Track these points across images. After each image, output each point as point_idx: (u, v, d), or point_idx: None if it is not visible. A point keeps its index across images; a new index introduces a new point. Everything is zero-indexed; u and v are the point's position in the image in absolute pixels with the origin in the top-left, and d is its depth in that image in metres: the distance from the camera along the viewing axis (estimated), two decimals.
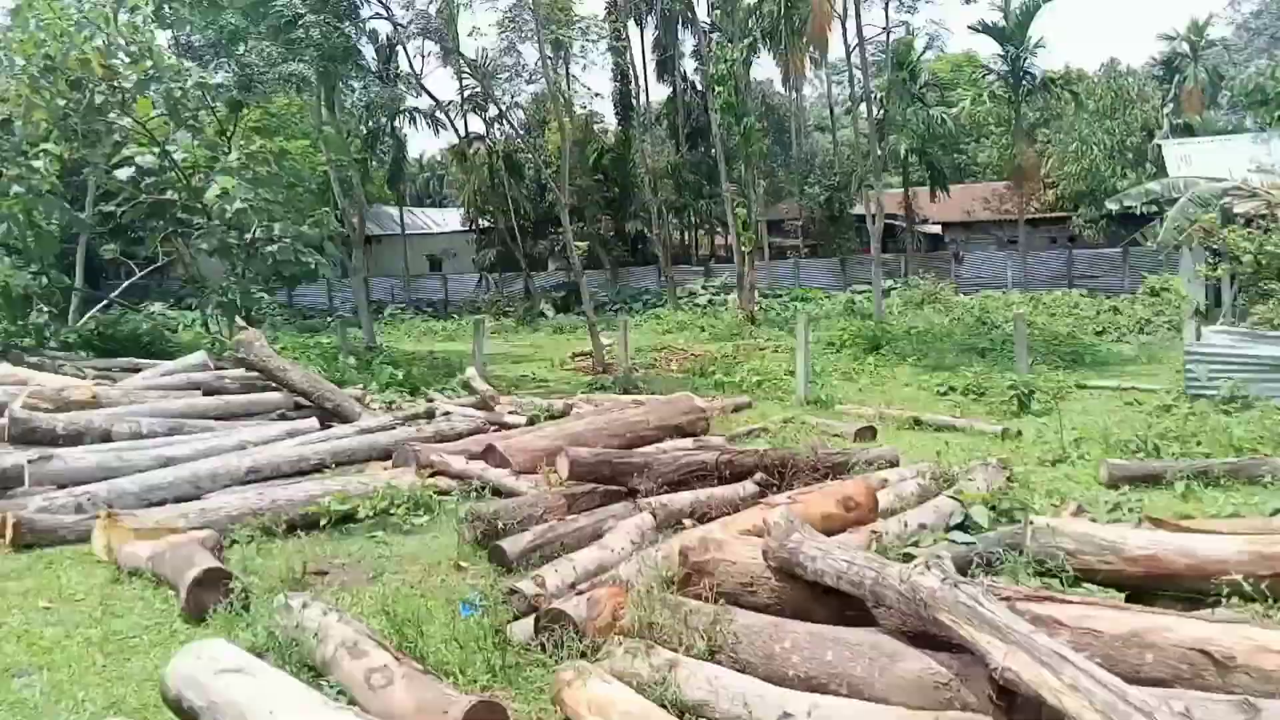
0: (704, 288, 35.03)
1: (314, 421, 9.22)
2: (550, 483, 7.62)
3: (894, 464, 8.26)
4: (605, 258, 37.62)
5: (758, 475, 7.52)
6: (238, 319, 11.80)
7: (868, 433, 10.63)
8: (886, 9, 24.16)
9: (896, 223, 40.75)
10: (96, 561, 6.19)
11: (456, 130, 37.61)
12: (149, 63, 12.69)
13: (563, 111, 25.97)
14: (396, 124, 38.93)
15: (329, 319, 35.93)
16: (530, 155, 38.66)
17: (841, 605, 4.27)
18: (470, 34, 47.13)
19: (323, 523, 7.09)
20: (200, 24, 13.59)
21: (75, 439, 8.39)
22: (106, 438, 8.51)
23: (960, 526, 6.52)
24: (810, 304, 31.98)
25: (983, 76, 31.49)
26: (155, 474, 7.62)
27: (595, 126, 37.69)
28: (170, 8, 12.87)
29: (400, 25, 23.41)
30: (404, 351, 22.21)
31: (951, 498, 6.79)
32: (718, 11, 26.79)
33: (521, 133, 40.43)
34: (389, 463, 8.65)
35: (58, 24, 12.19)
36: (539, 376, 19.07)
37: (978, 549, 5.71)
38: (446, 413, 11.64)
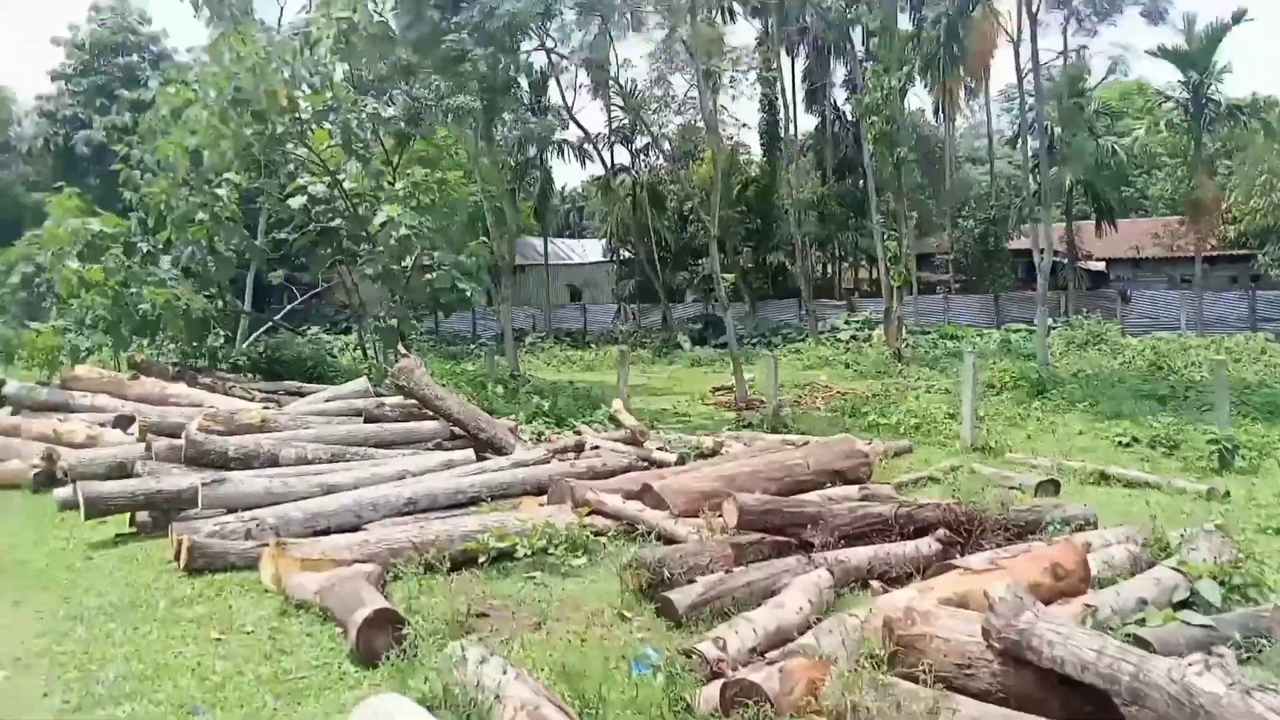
0: (847, 322, 34.04)
1: (470, 453, 9.15)
2: (712, 529, 7.24)
3: (1092, 525, 7.47)
4: (745, 290, 37.15)
5: (940, 532, 6.91)
6: (398, 346, 11.98)
7: (1050, 486, 9.76)
8: (1065, 32, 22.83)
9: (1056, 258, 38.69)
10: (264, 591, 6.17)
11: (604, 161, 38.10)
12: (329, 94, 13.23)
13: (718, 139, 25.73)
14: (545, 156, 39.75)
15: (472, 346, 36.85)
16: (674, 187, 38.86)
17: (1081, 698, 3.70)
18: (621, 65, 47.74)
19: (481, 559, 6.92)
20: (375, 59, 14.05)
21: (245, 462, 8.57)
22: (274, 462, 8.66)
23: (1185, 604, 5.74)
24: (961, 342, 30.57)
25: (1158, 104, 29.50)
26: (319, 501, 7.65)
27: (740, 158, 37.40)
28: (349, 42, 13.36)
29: (561, 55, 23.76)
30: (545, 380, 22.38)
31: (1173, 569, 6.00)
32: (874, 40, 26.01)
33: (666, 164, 40.71)
34: (543, 498, 8.45)
35: (251, 57, 12.84)
36: (680, 410, 18.74)
37: (1217, 634, 4.97)
38: (595, 446, 11.44)
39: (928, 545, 6.78)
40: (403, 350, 10.87)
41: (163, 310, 12.19)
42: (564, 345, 37.50)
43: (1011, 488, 9.81)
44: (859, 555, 6.40)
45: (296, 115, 13.80)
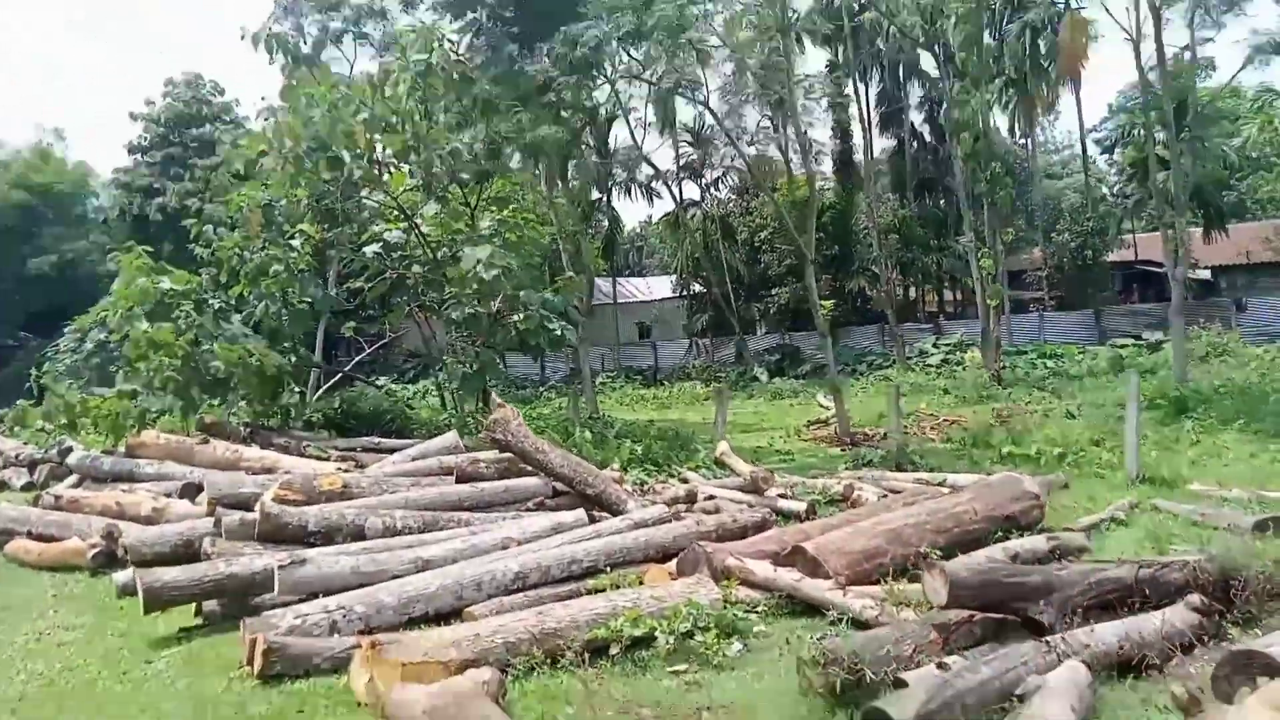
0: (935, 346, 32.26)
1: (580, 513, 7.91)
2: (897, 602, 5.87)
3: None
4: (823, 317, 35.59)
5: (1194, 598, 5.44)
6: (494, 396, 10.89)
7: (1270, 525, 8.12)
8: (1191, 25, 21.03)
9: (1151, 268, 36.43)
10: (357, 704, 4.98)
11: (674, 196, 37.17)
12: (409, 133, 12.38)
13: (811, 162, 24.43)
14: (612, 195, 39.02)
15: (542, 389, 35.89)
16: (746, 218, 37.70)
17: None
18: (689, 102, 47.02)
19: (613, 649, 5.66)
20: (453, 97, 13.20)
21: (327, 535, 7.46)
22: (360, 534, 7.54)
23: None
24: (1064, 360, 28.57)
25: (1269, 102, 27.47)
26: (414, 581, 6.48)
27: (816, 184, 36.06)
28: (427, 82, 12.53)
29: (648, 81, 22.82)
30: (625, 421, 21.14)
31: None
32: (962, 55, 24.67)
33: (733, 197, 39.63)
34: (671, 565, 7.15)
35: (328, 98, 12.07)
36: (779, 448, 17.31)
37: None
38: (710, 497, 10.13)
39: (1180, 616, 5.32)
40: (497, 400, 9.74)
41: (234, 368, 11.31)
42: (635, 384, 36.34)
43: (1218, 528, 8.24)
44: (1105, 635, 4.97)
45: (374, 158, 13.00)
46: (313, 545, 7.41)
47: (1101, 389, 22.47)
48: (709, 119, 36.72)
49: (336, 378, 19.00)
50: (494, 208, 15.55)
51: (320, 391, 17.63)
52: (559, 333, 13.10)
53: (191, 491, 10.65)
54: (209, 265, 13.58)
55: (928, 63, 38.29)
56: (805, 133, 25.12)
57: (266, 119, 14.33)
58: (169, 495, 10.46)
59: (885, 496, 9.91)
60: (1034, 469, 12.35)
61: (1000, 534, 8.17)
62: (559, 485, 8.89)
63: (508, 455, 9.17)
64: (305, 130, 12.59)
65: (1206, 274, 34.14)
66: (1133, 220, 32.78)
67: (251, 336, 12.34)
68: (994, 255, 26.48)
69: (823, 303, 19.97)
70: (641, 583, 7.01)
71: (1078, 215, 32.13)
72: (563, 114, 14.34)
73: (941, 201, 37.36)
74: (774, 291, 36.44)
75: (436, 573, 6.72)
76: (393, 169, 14.71)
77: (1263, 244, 34.04)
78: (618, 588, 6.78)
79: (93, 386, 14.20)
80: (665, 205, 40.46)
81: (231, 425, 12.42)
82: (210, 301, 12.57)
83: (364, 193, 14.13)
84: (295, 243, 13.41)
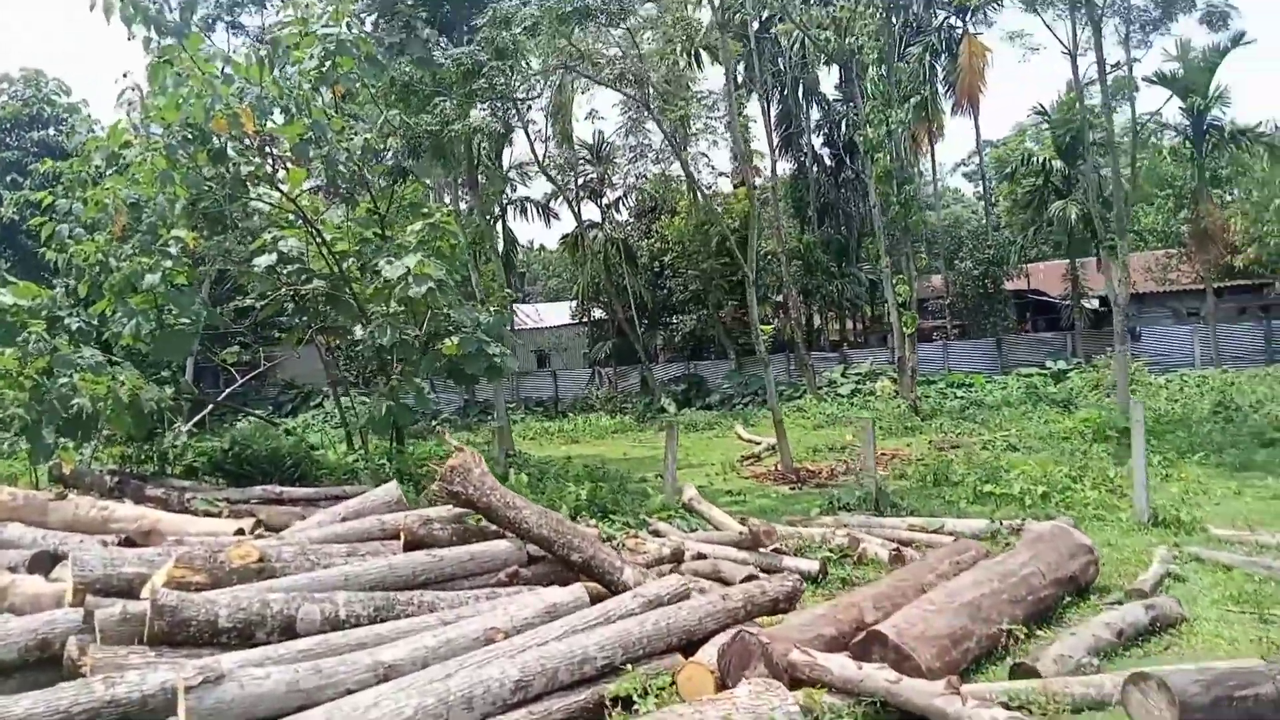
0: (844, 375, 31.79)
1: (580, 591, 6.23)
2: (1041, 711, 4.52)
3: None
4: (730, 345, 34.74)
5: None
6: (448, 436, 9.04)
7: None
8: (1127, 43, 21.04)
9: (1046, 298, 37.27)
10: None
11: (575, 215, 35.63)
12: (308, 120, 10.38)
13: (749, 173, 23.28)
14: (506, 215, 37.22)
15: (434, 423, 33.59)
16: (647, 242, 36.57)
17: None
18: (587, 116, 45.78)
19: None
20: (368, 79, 11.29)
21: (245, 633, 5.55)
22: (289, 629, 5.66)
23: None
24: (973, 389, 28.49)
25: (1157, 132, 28.34)
26: (380, 703, 4.69)
27: (719, 207, 35.23)
28: (334, 64, 10.57)
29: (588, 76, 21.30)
30: (540, 459, 19.42)
31: None
32: (873, 72, 24.23)
33: (635, 220, 38.47)
34: (705, 658, 5.59)
35: (200, 78, 9.98)
36: (719, 487, 15.95)
37: None
38: (699, 555, 8.62)
39: None
40: (452, 442, 7.96)
41: (100, 402, 9.04)
42: (537, 416, 34.51)
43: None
44: None
45: (266, 149, 10.98)
46: (226, 646, 5.50)
47: (1021, 419, 22.21)
48: (608, 135, 35.62)
49: (205, 412, 16.50)
50: (408, 215, 13.69)
51: (185, 429, 15.20)
52: (498, 360, 11.33)
53: (44, 564, 8.36)
54: (62, 276, 11.16)
55: (826, 85, 38.38)
56: (745, 144, 23.90)
57: (130, 103, 12.01)
58: (13, 569, 8.16)
59: (896, 551, 8.65)
60: (1019, 510, 11.38)
61: (1065, 598, 7.02)
62: (533, 549, 7.18)
63: (463, 511, 7.41)
64: (178, 113, 10.50)
65: (1094, 304, 35.05)
66: (1022, 250, 33.26)
67: (120, 364, 10.07)
68: (909, 281, 26.09)
69: (763, 327, 18.80)
70: (674, 683, 5.45)
71: (979, 242, 32.38)
72: (493, 105, 12.71)
73: (842, 228, 37.23)
74: (678, 319, 35.38)
75: (408, 686, 4.94)
76: (288, 165, 12.69)
77: (1145, 274, 35.25)
78: (655, 697, 5.19)
79: None
80: (562, 227, 38.97)
81: (94, 474, 10.08)
82: (66, 320, 10.21)
83: (258, 192, 12.04)
84: (172, 250, 11.18)
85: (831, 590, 7.75)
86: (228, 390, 24.47)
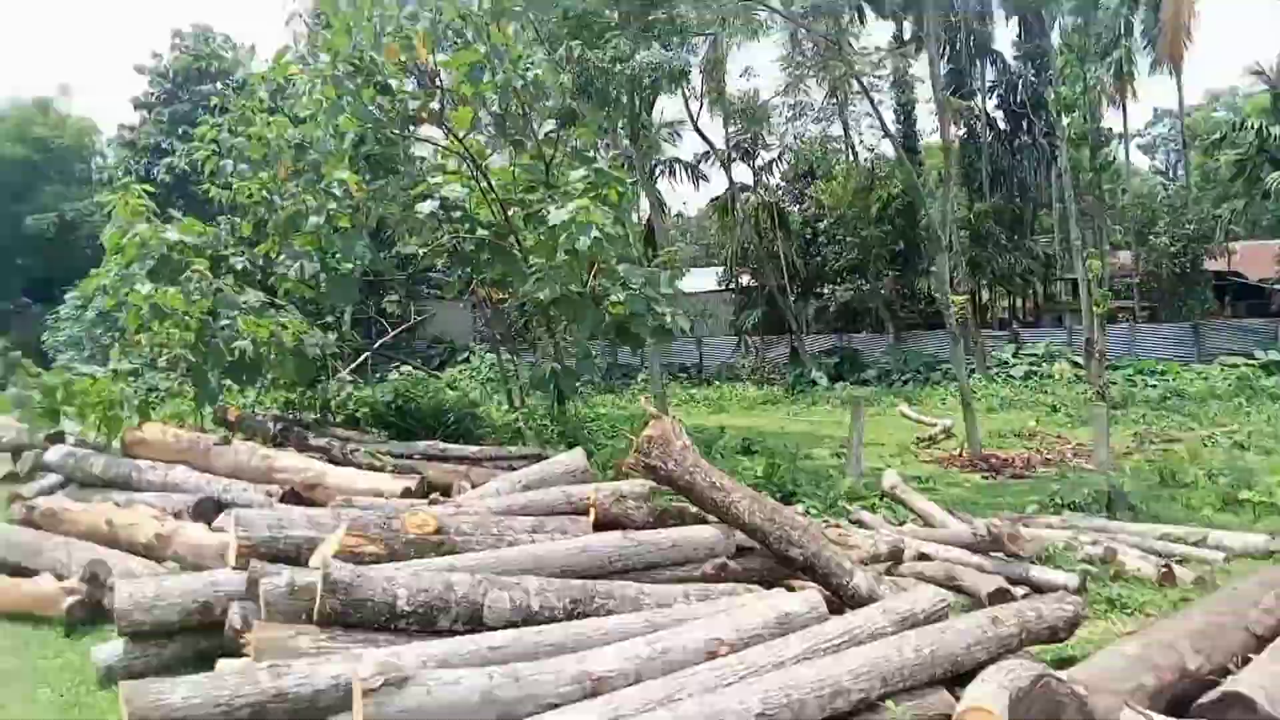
0: (1016, 356, 29.40)
1: (816, 597, 5.11)
2: None
3: None
4: (890, 320, 32.78)
5: None
6: (647, 402, 8.10)
7: None
8: None
9: (1248, 281, 33.56)
10: None
11: (729, 177, 34.26)
12: (482, 49, 9.52)
13: (948, 117, 21.26)
14: (655, 175, 36.13)
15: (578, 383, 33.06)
16: (801, 207, 34.89)
17: None
18: (742, 74, 44.16)
19: None
20: (537, 10, 10.35)
21: (427, 618, 4.69)
22: (475, 616, 4.77)
23: None
24: (1168, 377, 25.72)
25: None
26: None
27: (880, 173, 33.16)
28: None
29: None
30: (691, 427, 18.33)
31: None
32: (1068, 21, 21.80)
33: (788, 184, 36.79)
34: (981, 698, 4.36)
35: (376, 5, 9.26)
36: (902, 472, 14.49)
37: None
38: (922, 555, 7.37)
39: None
40: (651, 409, 6.96)
41: (264, 347, 8.50)
42: (681, 382, 33.52)
43: None
44: None
45: (437, 83, 10.21)
46: (404, 633, 4.66)
47: (1237, 414, 19.71)
48: (764, 94, 33.96)
49: (361, 360, 16.15)
50: (573, 163, 12.76)
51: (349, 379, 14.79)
52: (668, 321, 10.30)
53: (208, 511, 7.91)
54: (226, 215, 10.72)
55: (1001, 44, 35.47)
56: (939, 77, 21.65)
57: (296, 34, 11.45)
58: (177, 515, 7.71)
59: (1166, 569, 7.16)
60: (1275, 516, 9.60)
61: None
62: (745, 541, 6.10)
63: (664, 486, 6.38)
64: (348, 39, 9.81)
65: None
66: (1228, 227, 29.81)
67: (284, 307, 9.56)
68: (1101, 256, 23.63)
69: (955, 298, 17.09)
70: None
71: (1177, 216, 29.20)
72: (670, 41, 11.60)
73: (1016, 198, 34.47)
74: (831, 288, 33.61)
75: (624, 710, 3.95)
76: (455, 102, 11.93)
77: None
78: None
79: (95, 362, 11.49)
80: (710, 191, 37.67)
81: (259, 421, 9.64)
82: (231, 260, 9.76)
83: (424, 131, 11.33)
84: (336, 190, 10.57)
85: (1100, 613, 6.37)
86: (379, 342, 24.47)
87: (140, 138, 38.66)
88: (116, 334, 9.66)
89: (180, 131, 37.86)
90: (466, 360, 33.58)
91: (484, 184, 11.14)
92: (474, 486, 8.55)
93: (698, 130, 30.39)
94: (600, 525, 6.06)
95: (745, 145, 35.32)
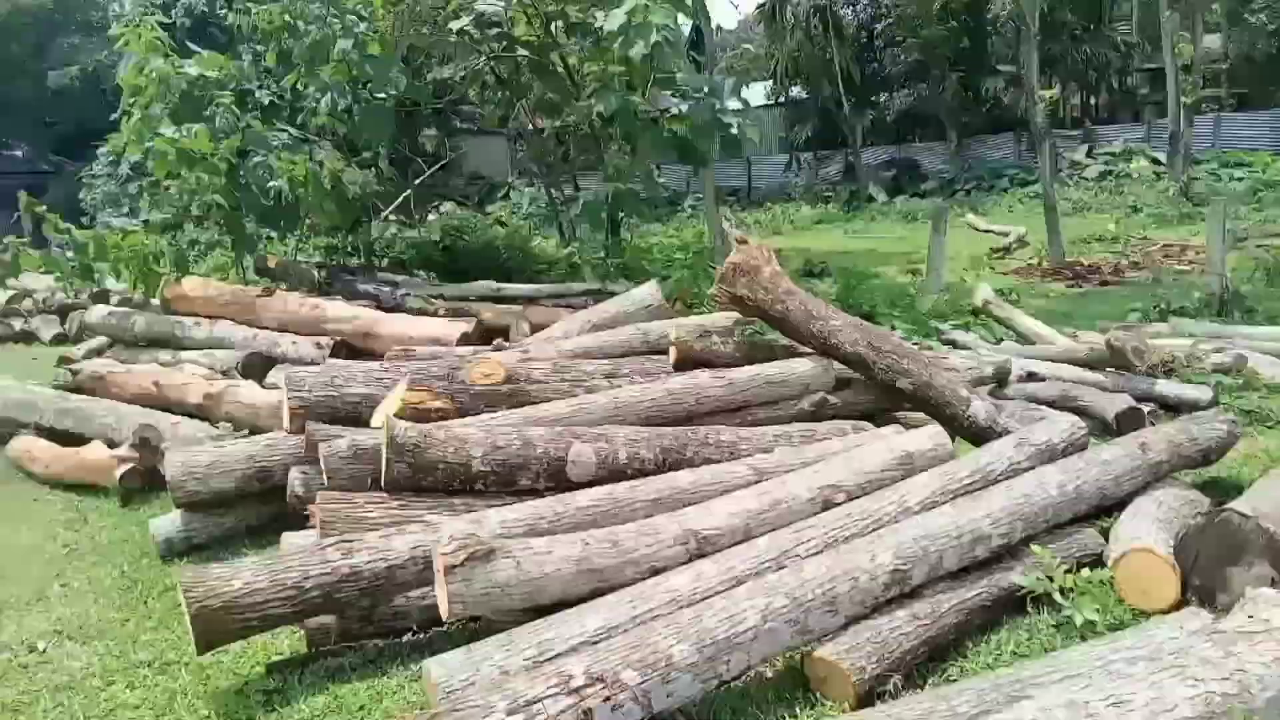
0: (1090, 156, 27.59)
1: (939, 432, 4.51)
2: None
3: None
4: (951, 125, 30.85)
5: None
6: (725, 221, 7.35)
7: None
8: None
9: None
10: None
11: None
12: None
13: None
14: None
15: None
16: (853, 9, 32.35)
17: None
18: None
19: None
20: None
21: (506, 478, 4.22)
22: (558, 473, 4.29)
23: None
24: (1254, 169, 23.92)
25: None
26: (712, 603, 3.23)
27: None
28: None
29: None
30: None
31: None
32: None
33: None
34: (1149, 544, 3.80)
35: None
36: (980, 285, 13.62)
37: None
38: (1031, 374, 6.71)
39: None
40: (733, 231, 6.23)
41: (301, 189, 7.81)
42: (730, 206, 32.33)
43: None
44: None
45: None
46: (481, 494, 4.21)
47: None
48: None
49: (401, 199, 15.33)
50: None
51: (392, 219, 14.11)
52: (736, 131, 9.35)
53: (257, 367, 7.51)
54: (248, 43, 9.78)
55: None
56: None
57: None
58: (225, 373, 7.33)
59: None
60: None
61: None
62: (847, 373, 5.48)
63: (750, 321, 5.75)
64: None
65: None
66: None
67: (318, 143, 8.81)
68: (1193, 39, 21.49)
69: (1045, 92, 15.72)
70: (1112, 586, 3.73)
71: None
72: None
73: None
74: (889, 96, 31.56)
75: (739, 572, 3.47)
76: None
77: None
78: (1085, 595, 3.54)
79: (134, 218, 10.95)
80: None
81: (302, 268, 9.11)
82: (257, 95, 8.94)
83: None
84: (362, 12, 9.54)
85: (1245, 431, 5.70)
86: (419, 179, 23.62)
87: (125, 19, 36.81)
88: (146, 184, 9.00)
89: None
90: (506, 196, 32.64)
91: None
92: (533, 329, 8.06)
93: None
94: (682, 365, 5.47)
95: None
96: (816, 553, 3.62)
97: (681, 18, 9.83)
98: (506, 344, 6.01)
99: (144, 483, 5.82)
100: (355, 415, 4.87)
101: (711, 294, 5.51)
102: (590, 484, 4.26)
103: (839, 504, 4.04)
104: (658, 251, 13.41)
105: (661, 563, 3.67)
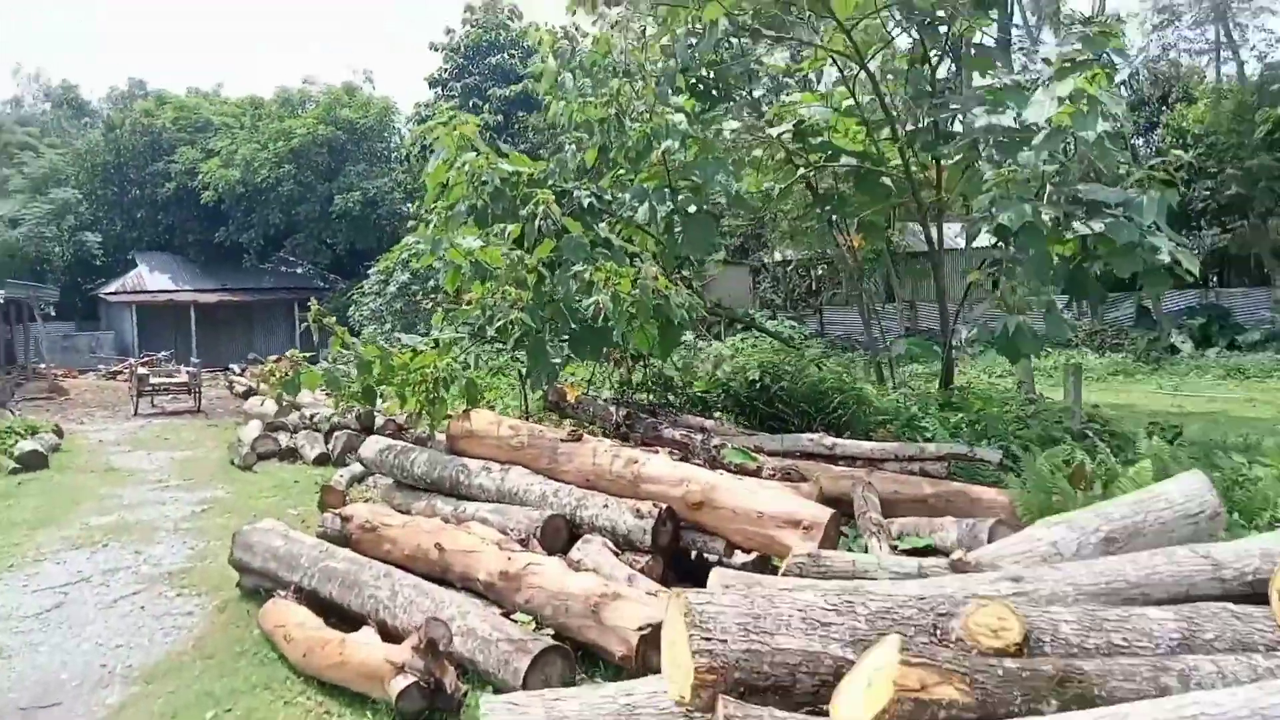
0: None
1: None
2: None
3: None
4: (1275, 268, 26.58)
5: None
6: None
7: None
8: None
9: None
10: None
11: None
12: None
13: None
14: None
15: (862, 351, 29.44)
16: (1150, 136, 29.21)
17: None
18: None
19: None
20: None
21: None
22: None
23: None
24: None
25: None
26: None
27: (1273, 87, 26.76)
28: None
29: None
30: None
31: None
32: None
33: (1128, 108, 30.90)
34: None
35: None
36: None
37: None
38: None
39: None
40: None
41: (625, 307, 6.25)
42: (988, 346, 29.09)
43: None
44: None
45: None
46: None
47: None
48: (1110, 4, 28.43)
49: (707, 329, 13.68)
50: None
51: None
52: (1166, 258, 7.12)
53: (559, 535, 5.84)
54: (569, 133, 8.51)
55: None
56: None
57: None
58: (523, 542, 5.68)
59: None
60: None
61: None
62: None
63: None
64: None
65: None
66: None
67: (639, 255, 7.36)
68: None
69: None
70: None
71: None
72: None
73: None
74: (1199, 233, 27.81)
75: None
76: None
77: None
78: None
79: (396, 334, 10.04)
80: None
81: (600, 404, 7.55)
82: (575, 194, 7.64)
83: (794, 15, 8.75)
84: (678, 118, 8.13)
85: None
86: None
87: (434, 114, 39.41)
88: (434, 296, 7.88)
89: (470, 104, 38.15)
90: (748, 329, 30.97)
91: (869, 89, 8.34)
92: (883, 503, 6.06)
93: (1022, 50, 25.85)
94: None
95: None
96: None
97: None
98: (962, 556, 3.92)
99: (430, 705, 4.13)
100: (785, 684, 2.91)
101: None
102: None
103: None
104: (974, 396, 11.04)
105: None
